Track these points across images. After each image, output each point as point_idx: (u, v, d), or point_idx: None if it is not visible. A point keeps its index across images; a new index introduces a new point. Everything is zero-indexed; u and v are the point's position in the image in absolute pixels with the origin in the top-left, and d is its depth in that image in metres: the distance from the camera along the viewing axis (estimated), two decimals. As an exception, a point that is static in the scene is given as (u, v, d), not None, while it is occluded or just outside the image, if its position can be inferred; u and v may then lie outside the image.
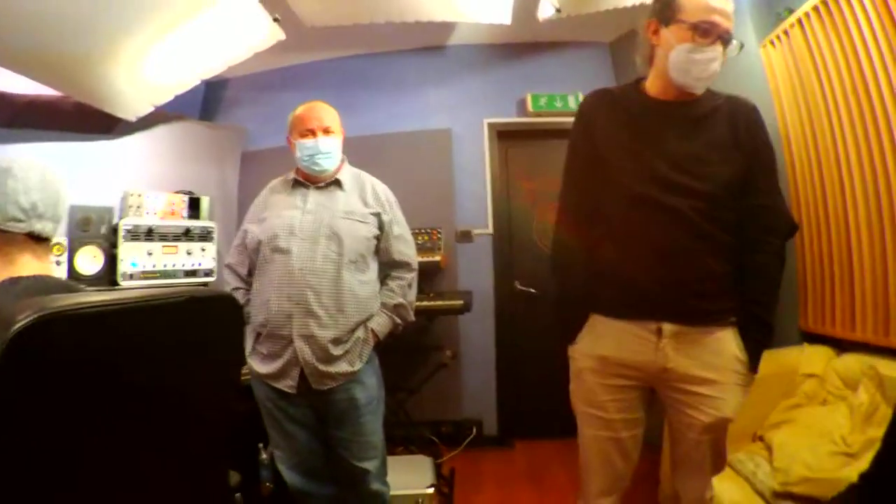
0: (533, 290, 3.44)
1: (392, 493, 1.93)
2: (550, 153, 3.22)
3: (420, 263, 2.00)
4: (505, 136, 3.58)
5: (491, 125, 3.55)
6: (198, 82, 2.75)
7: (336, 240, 1.74)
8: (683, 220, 1.29)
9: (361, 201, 1.86)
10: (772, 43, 2.50)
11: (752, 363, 1.32)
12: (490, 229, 3.48)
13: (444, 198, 3.44)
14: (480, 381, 3.38)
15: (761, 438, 2.04)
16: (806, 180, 2.39)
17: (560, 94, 3.48)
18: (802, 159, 2.39)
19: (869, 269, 2.04)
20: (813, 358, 2.19)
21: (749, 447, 2.05)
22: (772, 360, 2.27)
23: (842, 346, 2.21)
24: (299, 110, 1.88)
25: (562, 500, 2.58)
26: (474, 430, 3.23)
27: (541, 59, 3.60)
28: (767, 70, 2.56)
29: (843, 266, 2.19)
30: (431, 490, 2.29)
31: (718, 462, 1.42)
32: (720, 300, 1.32)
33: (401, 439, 2.96)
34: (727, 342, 1.32)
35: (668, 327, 1.30)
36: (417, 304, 2.01)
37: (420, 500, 2.23)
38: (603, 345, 1.37)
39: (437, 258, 3.16)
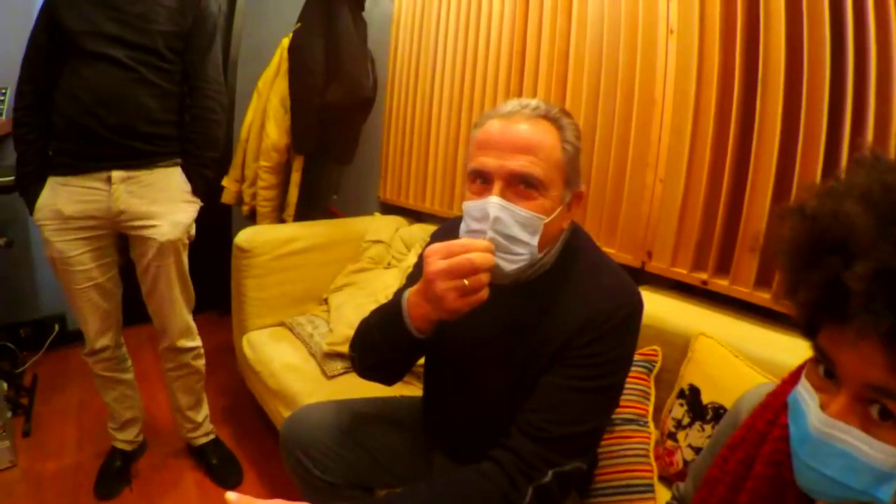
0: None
1: None
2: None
3: None
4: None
5: None
6: None
7: None
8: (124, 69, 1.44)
9: None
10: None
11: (193, 189, 1.62)
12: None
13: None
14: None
15: (326, 301, 2.11)
16: (403, 66, 2.42)
17: None
18: (405, 46, 2.40)
19: (442, 150, 2.23)
20: (383, 226, 2.34)
21: (312, 310, 2.10)
22: (342, 227, 2.37)
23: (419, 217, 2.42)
24: None
25: (150, 385, 2.30)
26: (57, 327, 2.68)
27: None
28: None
29: (421, 145, 2.34)
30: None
31: (186, 293, 1.70)
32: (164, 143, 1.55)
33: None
34: (172, 177, 1.58)
35: (117, 174, 1.48)
36: None
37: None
38: (61, 203, 1.48)
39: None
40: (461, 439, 1.08)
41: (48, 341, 2.62)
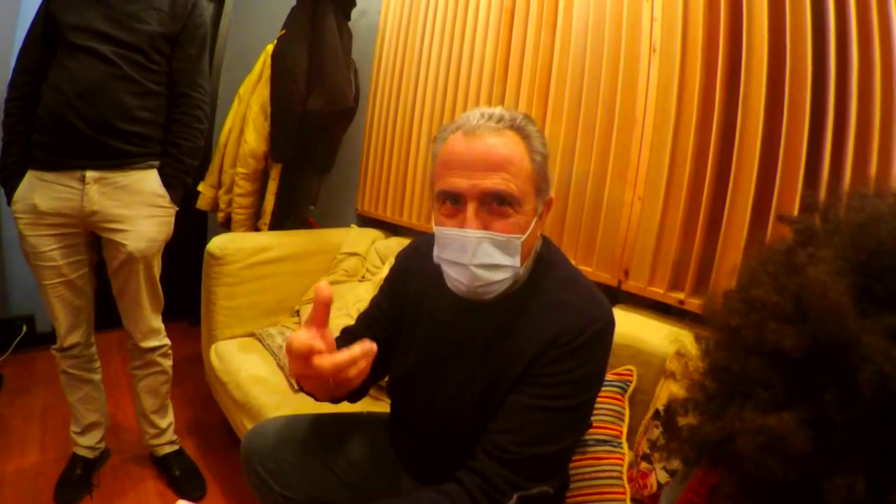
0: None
1: None
2: None
3: None
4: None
5: None
6: None
7: None
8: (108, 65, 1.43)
9: None
10: None
11: (172, 195, 1.59)
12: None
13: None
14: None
15: (298, 313, 2.06)
16: (386, 77, 2.40)
17: None
18: (389, 58, 2.39)
19: (422, 164, 2.21)
20: (358, 238, 2.30)
21: (283, 321, 2.05)
22: (317, 238, 2.33)
23: (396, 230, 2.39)
24: None
25: (117, 392, 2.22)
26: (25, 328, 2.58)
27: None
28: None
29: (400, 158, 2.31)
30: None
31: (155, 298, 1.67)
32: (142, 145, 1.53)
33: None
34: (147, 181, 1.55)
35: (90, 174, 1.47)
36: None
37: None
38: (37, 198, 1.47)
39: None
40: (427, 460, 1.04)
41: (15, 342, 2.53)
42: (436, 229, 0.88)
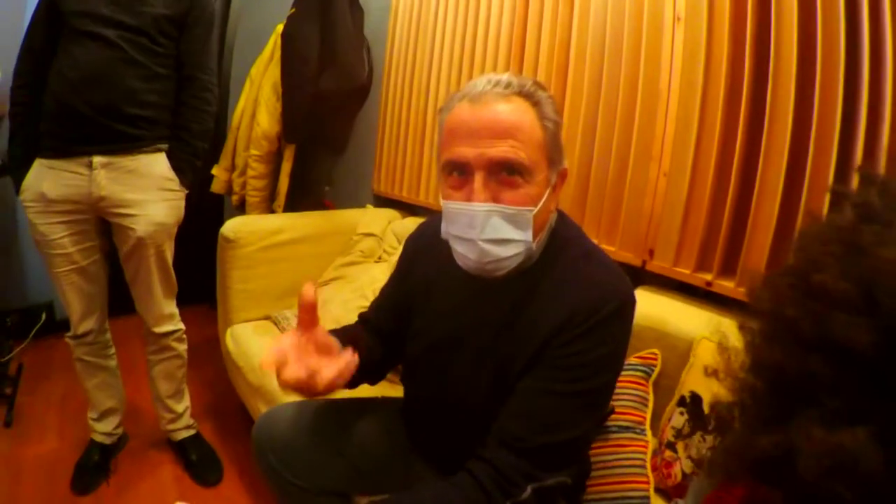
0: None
1: None
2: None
3: None
4: None
5: None
6: None
7: None
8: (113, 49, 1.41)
9: None
10: None
11: (181, 179, 1.58)
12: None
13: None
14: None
15: (313, 295, 2.03)
16: (400, 55, 2.34)
17: None
18: (403, 35, 2.32)
19: (429, 141, 2.15)
20: (375, 218, 2.26)
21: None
22: (333, 219, 2.30)
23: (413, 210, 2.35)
24: None
25: (136, 377, 2.20)
26: (44, 315, 2.61)
27: None
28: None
29: (416, 136, 2.26)
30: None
31: (167, 283, 1.65)
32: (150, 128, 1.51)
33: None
34: (155, 165, 1.53)
35: (98, 159, 1.45)
36: None
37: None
38: (45, 186, 1.45)
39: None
40: (441, 446, 1.01)
41: (34, 329, 2.56)
42: (443, 203, 0.83)
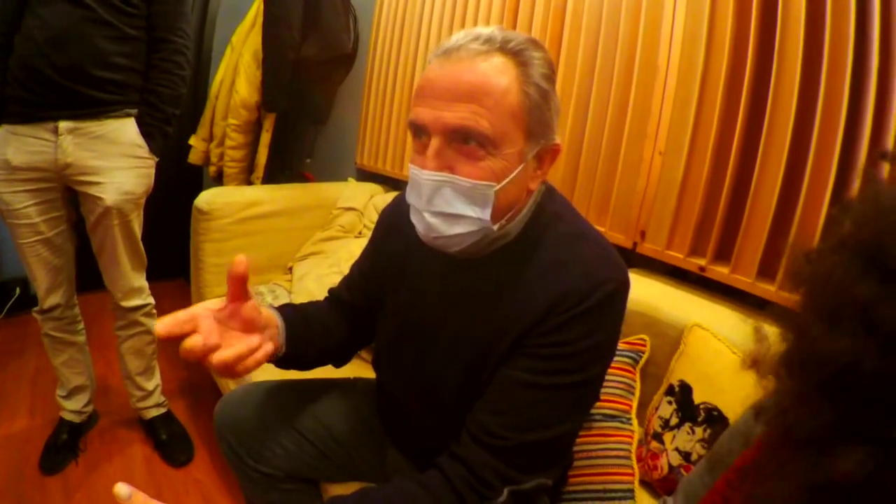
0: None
1: None
2: None
3: None
4: None
5: None
6: None
7: None
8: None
9: None
10: None
11: (151, 145, 1.49)
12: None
13: None
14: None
15: (291, 270, 1.96)
16: (388, 24, 2.23)
17: None
18: (391, 2, 2.22)
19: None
20: (356, 192, 2.18)
21: (276, 279, 1.95)
22: (313, 192, 2.21)
23: (396, 185, 2.26)
24: None
25: (107, 353, 2.15)
26: (18, 290, 2.53)
27: None
28: None
29: (402, 109, 2.17)
30: None
31: (135, 255, 1.57)
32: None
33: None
34: (124, 131, 1.44)
35: (64, 124, 1.37)
36: None
37: None
38: (9, 153, 1.38)
39: None
40: (414, 434, 0.95)
41: (7, 305, 2.48)
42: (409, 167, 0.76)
